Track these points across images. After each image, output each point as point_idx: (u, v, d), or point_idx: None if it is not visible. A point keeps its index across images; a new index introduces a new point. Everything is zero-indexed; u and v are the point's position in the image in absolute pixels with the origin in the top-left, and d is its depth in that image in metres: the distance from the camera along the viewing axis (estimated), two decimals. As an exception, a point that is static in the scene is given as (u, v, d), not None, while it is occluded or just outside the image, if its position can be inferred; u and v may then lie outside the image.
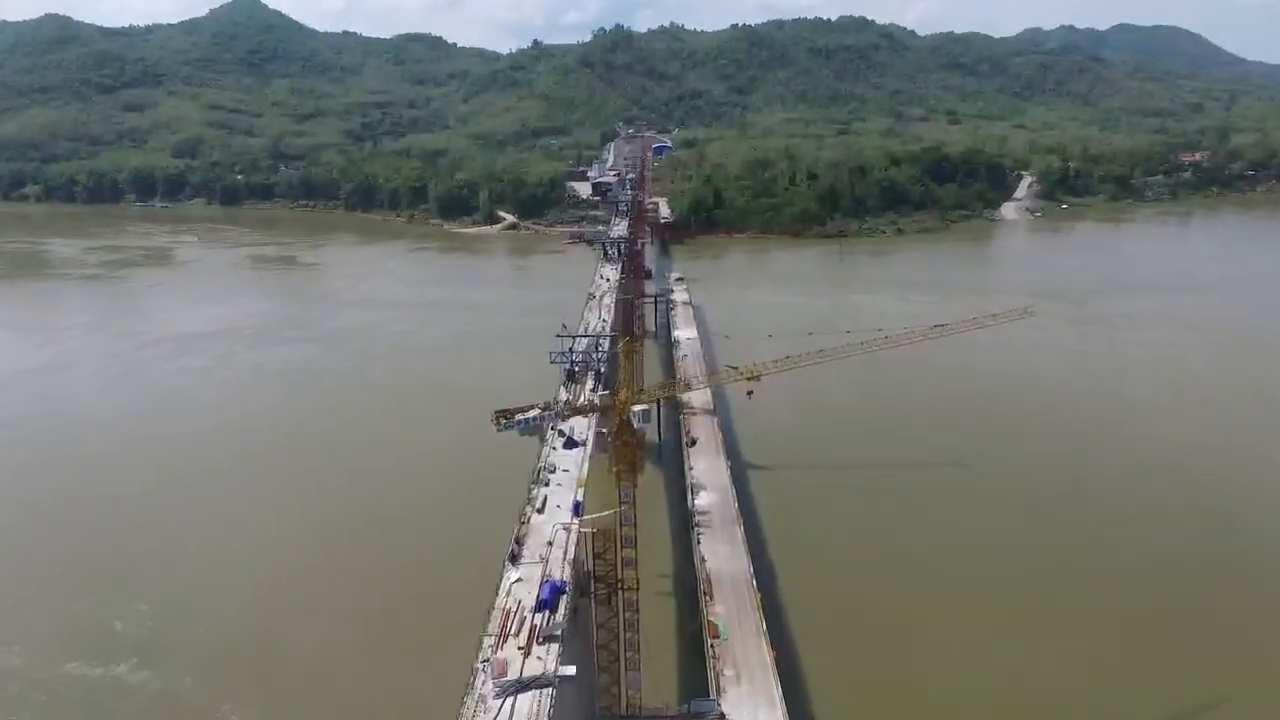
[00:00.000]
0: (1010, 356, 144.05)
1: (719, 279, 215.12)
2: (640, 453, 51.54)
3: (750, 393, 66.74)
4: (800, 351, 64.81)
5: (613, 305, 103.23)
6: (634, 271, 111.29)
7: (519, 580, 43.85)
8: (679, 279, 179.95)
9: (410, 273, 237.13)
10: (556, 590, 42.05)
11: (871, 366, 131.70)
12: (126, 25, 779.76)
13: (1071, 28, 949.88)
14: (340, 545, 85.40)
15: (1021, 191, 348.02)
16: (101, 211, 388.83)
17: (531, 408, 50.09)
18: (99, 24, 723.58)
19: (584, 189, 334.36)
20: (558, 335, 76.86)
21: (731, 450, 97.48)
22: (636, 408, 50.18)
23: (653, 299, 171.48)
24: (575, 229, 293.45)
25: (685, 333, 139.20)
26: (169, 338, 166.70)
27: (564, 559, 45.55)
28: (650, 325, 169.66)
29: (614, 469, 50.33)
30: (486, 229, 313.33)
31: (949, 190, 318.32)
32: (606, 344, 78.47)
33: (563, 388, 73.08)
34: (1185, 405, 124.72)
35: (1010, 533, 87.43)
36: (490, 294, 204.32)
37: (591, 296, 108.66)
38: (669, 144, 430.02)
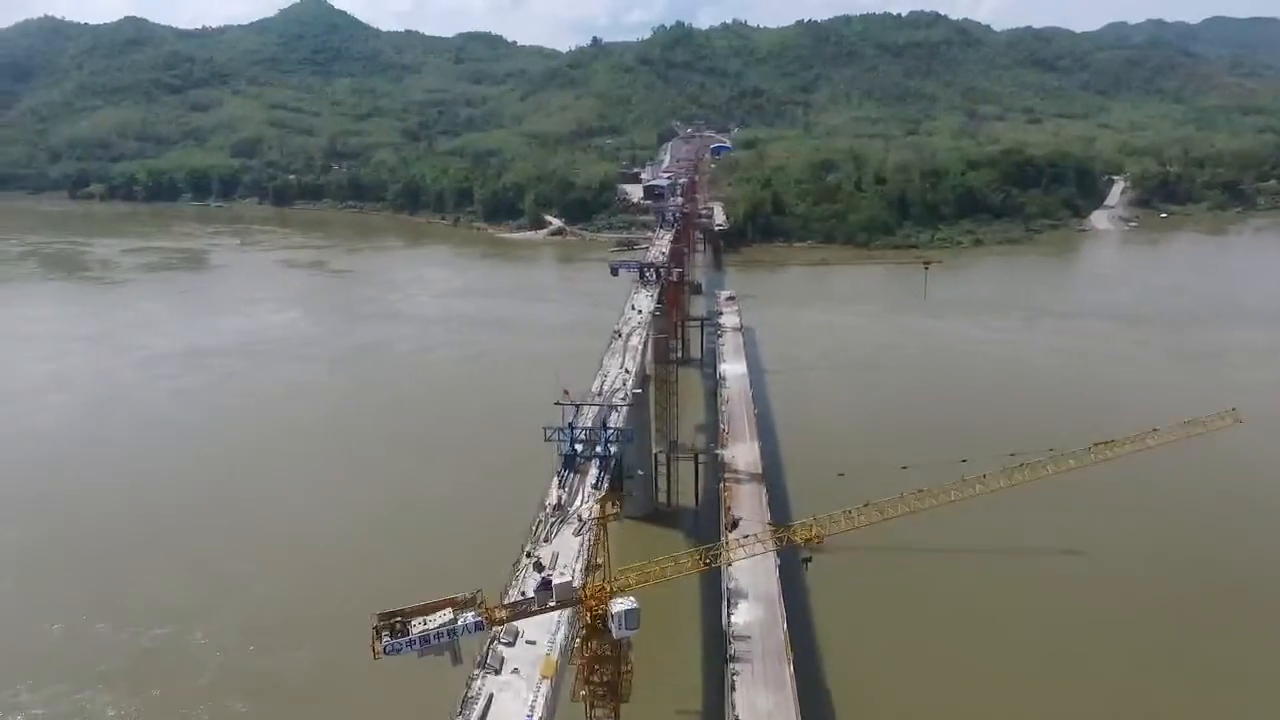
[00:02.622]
0: (1114, 403, 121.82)
1: (775, 296, 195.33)
2: (624, 670, 33.82)
3: (807, 561, 47.92)
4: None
5: (640, 349, 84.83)
6: (671, 304, 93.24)
7: None
8: (729, 298, 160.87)
9: (443, 282, 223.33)
10: None
11: (955, 407, 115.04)
12: (201, 27, 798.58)
13: (1160, 21, 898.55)
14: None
15: (1114, 198, 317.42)
16: (159, 210, 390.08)
17: (443, 606, 32.08)
18: (175, 27, 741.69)
19: (636, 192, 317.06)
20: (557, 403, 59.45)
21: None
22: (618, 605, 32.38)
23: (699, 322, 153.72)
24: (624, 236, 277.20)
25: (733, 367, 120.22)
26: (175, 353, 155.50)
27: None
28: (695, 351, 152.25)
29: (578, 695, 32.83)
30: (532, 234, 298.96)
31: (1033, 197, 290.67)
32: (622, 415, 60.73)
33: (556, 479, 55.53)
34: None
35: (1156, 660, 66.47)
36: (523, 309, 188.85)
37: (616, 335, 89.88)
38: (728, 144, 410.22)
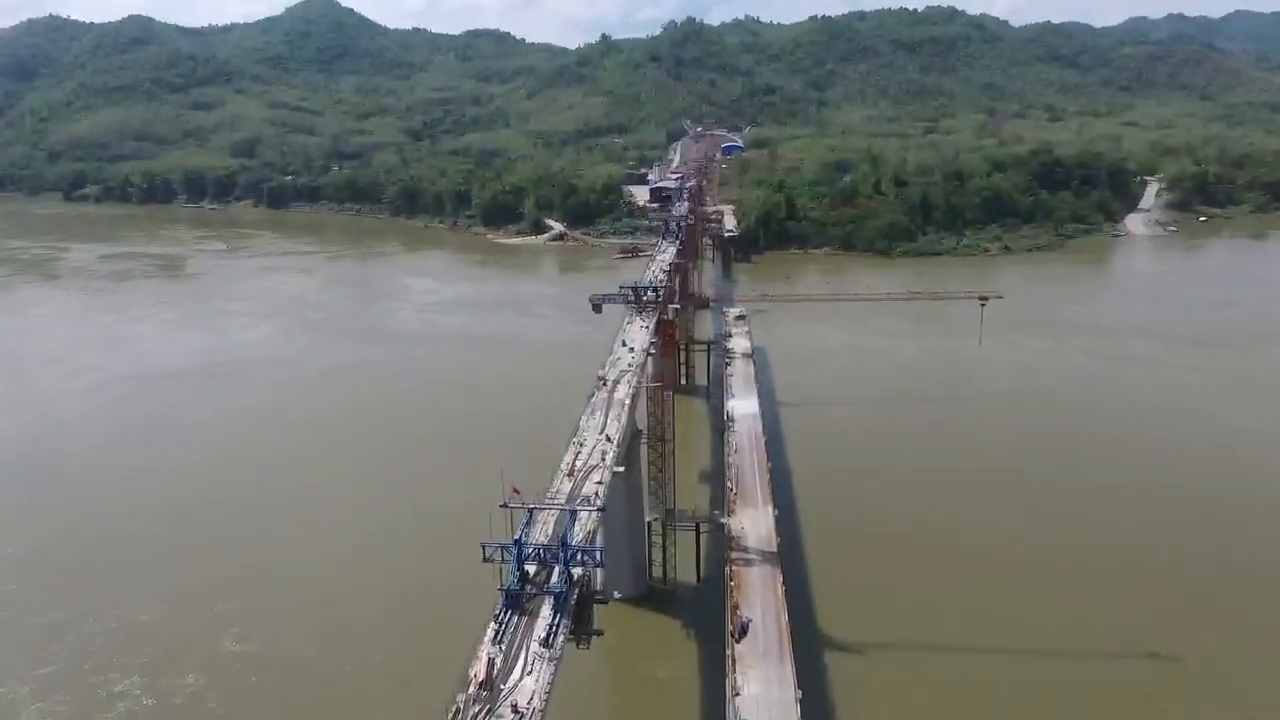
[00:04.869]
0: (1198, 450, 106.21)
1: (789, 310, 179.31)
2: None
3: None
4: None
5: (629, 404, 69.11)
6: (666, 345, 77.50)
7: None
8: (739, 316, 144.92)
9: (432, 294, 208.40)
10: None
11: (1006, 456, 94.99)
12: (207, 25, 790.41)
13: (1181, 15, 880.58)
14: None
15: (1148, 201, 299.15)
16: (153, 213, 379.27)
17: None
18: (181, 25, 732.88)
19: (642, 194, 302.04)
20: (502, 505, 44.26)
21: (805, 644, 62.41)
22: None
23: (705, 346, 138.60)
24: (629, 241, 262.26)
25: (742, 403, 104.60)
26: (127, 376, 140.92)
27: None
28: (700, 377, 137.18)
29: None
30: (532, 239, 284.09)
31: (1063, 200, 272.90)
32: (592, 518, 45.68)
33: (491, 629, 40.17)
34: None
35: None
36: (516, 325, 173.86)
37: (601, 382, 74.08)
38: (740, 143, 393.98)
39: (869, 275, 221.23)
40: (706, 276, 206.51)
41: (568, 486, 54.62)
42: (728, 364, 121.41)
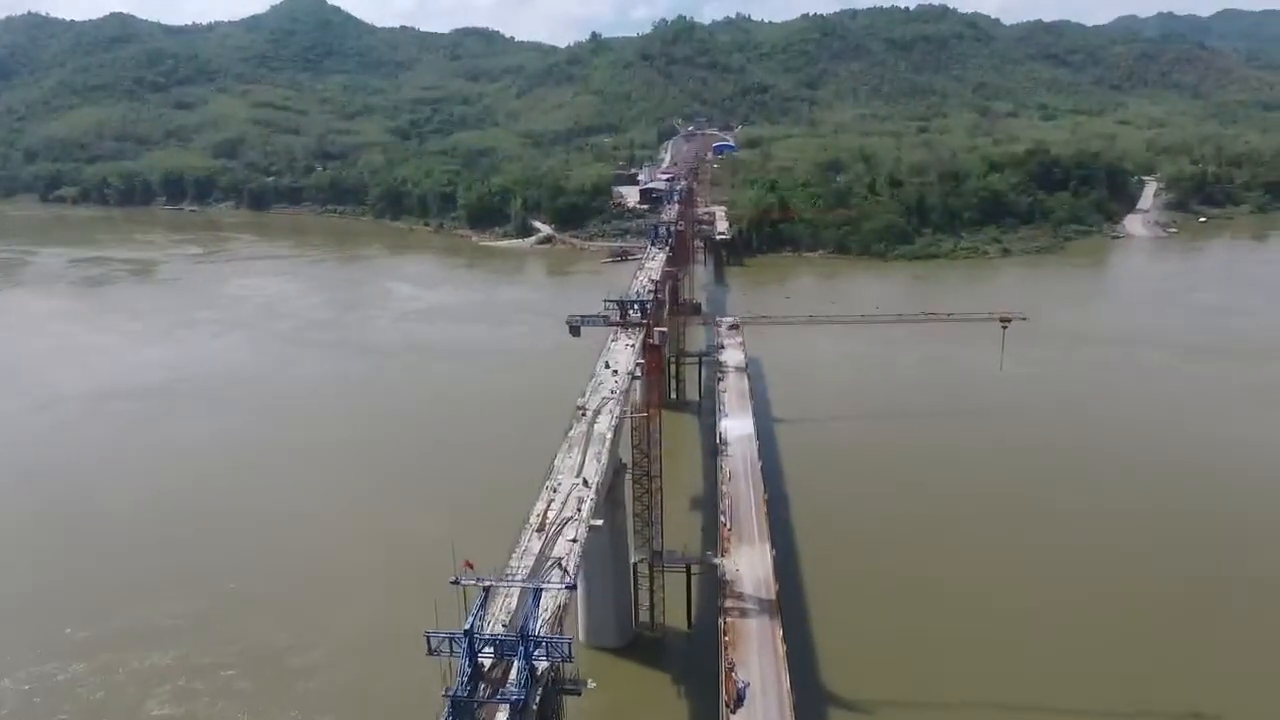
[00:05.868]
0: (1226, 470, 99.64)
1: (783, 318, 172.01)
2: None
3: None
4: None
5: (611, 439, 61.52)
6: (652, 368, 69.95)
7: None
8: (732, 326, 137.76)
9: (412, 301, 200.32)
10: None
11: (1022, 484, 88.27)
12: (190, 24, 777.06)
13: (1170, 14, 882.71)
14: None
15: (1146, 201, 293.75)
16: (130, 215, 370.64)
17: None
18: (164, 23, 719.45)
19: (632, 195, 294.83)
20: (454, 581, 36.86)
21: (809, 708, 55.29)
22: None
23: (696, 359, 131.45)
24: (618, 244, 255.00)
25: (736, 423, 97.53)
26: (82, 393, 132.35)
27: None
28: (692, 392, 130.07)
29: None
30: (519, 242, 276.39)
31: (1061, 200, 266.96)
32: (562, 597, 38.08)
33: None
34: None
35: None
36: (490, 333, 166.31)
37: (580, 413, 66.95)
38: (731, 143, 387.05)
39: (866, 279, 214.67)
40: (698, 281, 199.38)
41: (537, 545, 47.33)
42: (720, 378, 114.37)
